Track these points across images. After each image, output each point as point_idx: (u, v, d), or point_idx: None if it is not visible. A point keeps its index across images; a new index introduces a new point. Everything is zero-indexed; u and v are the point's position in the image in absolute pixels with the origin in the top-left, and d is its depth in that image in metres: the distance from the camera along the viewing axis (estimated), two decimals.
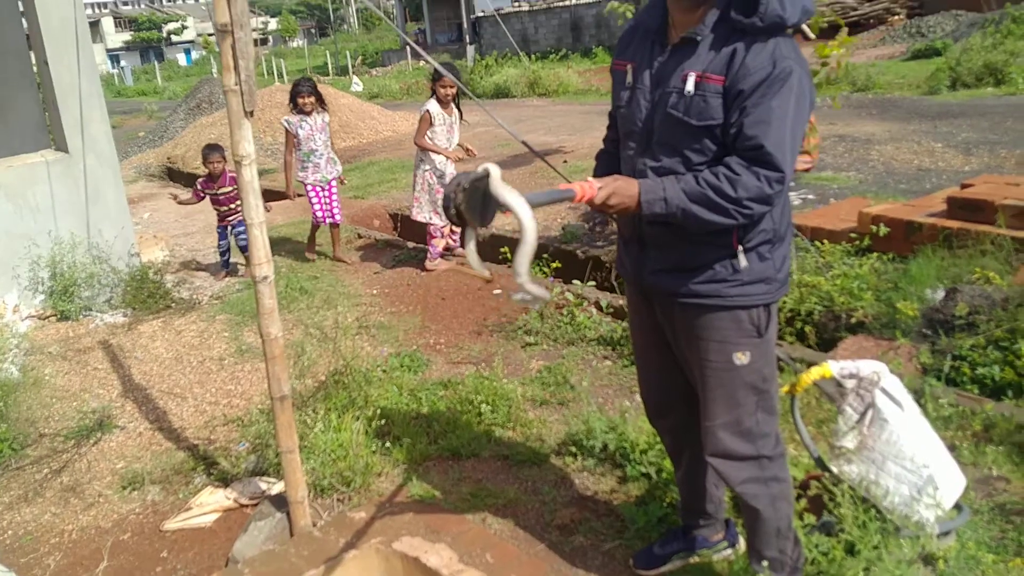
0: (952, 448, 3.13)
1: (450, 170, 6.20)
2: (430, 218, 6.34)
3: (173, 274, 6.73)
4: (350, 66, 37.88)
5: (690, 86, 2.09)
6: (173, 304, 5.93)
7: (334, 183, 6.78)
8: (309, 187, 6.70)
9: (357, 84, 26.69)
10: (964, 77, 12.24)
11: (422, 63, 31.98)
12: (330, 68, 39.82)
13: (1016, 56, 12.70)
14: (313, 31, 78.09)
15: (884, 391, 2.55)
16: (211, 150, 6.42)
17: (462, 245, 1.93)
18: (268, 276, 3.16)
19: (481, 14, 32.32)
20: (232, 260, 6.75)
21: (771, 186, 2.01)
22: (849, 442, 2.60)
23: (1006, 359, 3.70)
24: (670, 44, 2.19)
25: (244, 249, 6.35)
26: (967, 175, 6.63)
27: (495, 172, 1.84)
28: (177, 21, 72.50)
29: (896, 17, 25.58)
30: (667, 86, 2.15)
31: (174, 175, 13.19)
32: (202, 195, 6.55)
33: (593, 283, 5.42)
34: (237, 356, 5.04)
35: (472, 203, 1.83)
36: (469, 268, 6.26)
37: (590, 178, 2.15)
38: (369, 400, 3.96)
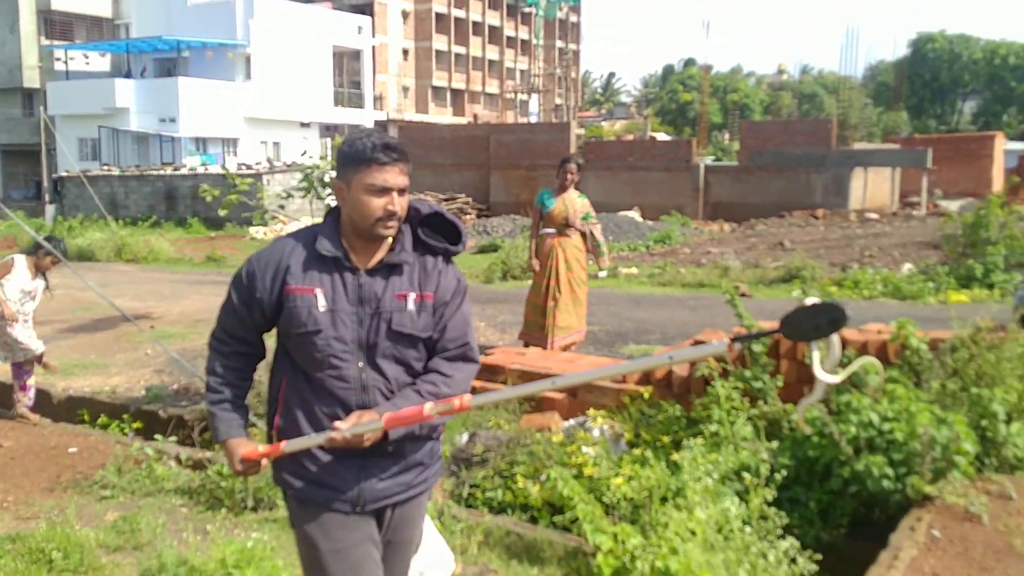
0: (464, 550, 4.09)
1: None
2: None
3: None
4: None
5: (411, 305, 2.37)
6: None
7: None
8: None
9: None
10: (513, 270, 14.78)
11: None
12: None
13: None
14: None
15: None
16: None
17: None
18: None
19: (65, 174, 30.73)
20: None
21: (474, 375, 2.48)
22: None
23: (507, 485, 4.84)
24: (363, 269, 2.37)
25: None
26: (498, 347, 8.21)
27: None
28: None
29: (468, 216, 29.69)
30: (382, 306, 2.35)
31: None
32: None
33: (175, 439, 5.74)
34: None
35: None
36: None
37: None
38: None
